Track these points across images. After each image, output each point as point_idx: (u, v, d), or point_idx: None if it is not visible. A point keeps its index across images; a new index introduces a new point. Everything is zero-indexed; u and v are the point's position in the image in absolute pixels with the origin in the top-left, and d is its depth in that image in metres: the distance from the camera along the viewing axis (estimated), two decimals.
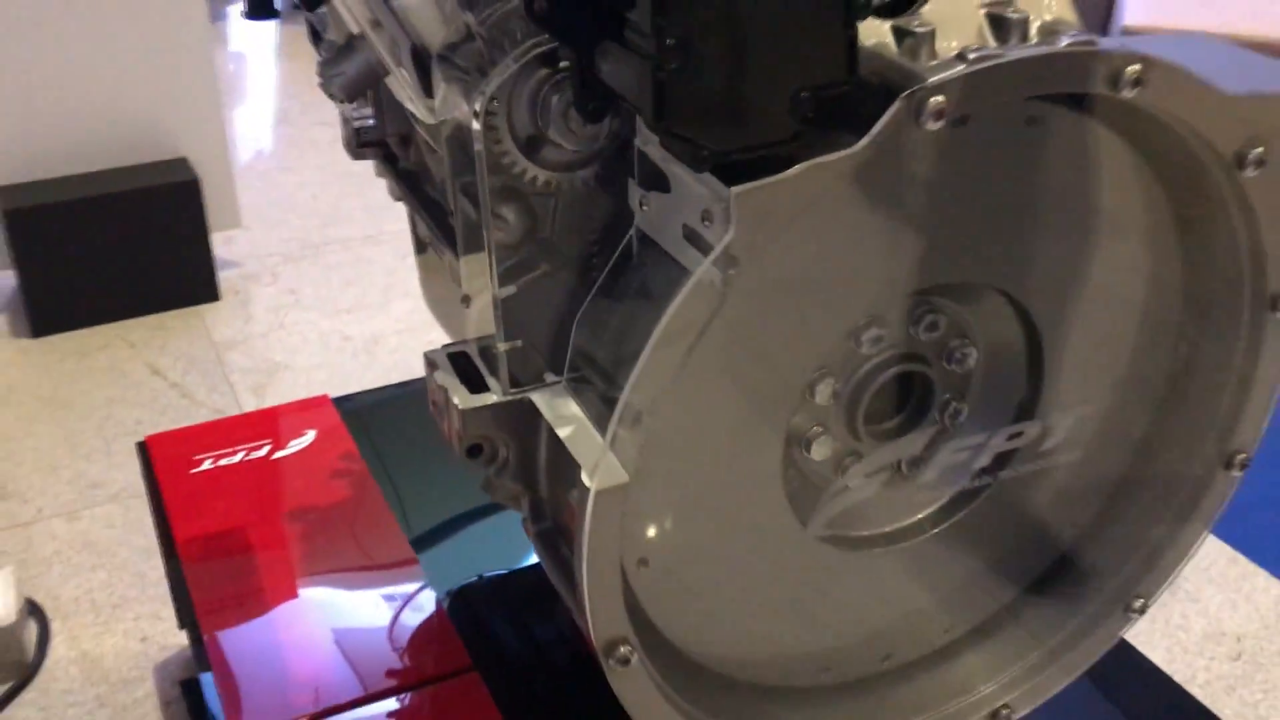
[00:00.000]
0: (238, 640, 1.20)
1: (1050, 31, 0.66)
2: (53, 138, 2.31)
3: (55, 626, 1.61)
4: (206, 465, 1.30)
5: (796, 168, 0.56)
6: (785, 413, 0.71)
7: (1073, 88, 0.62)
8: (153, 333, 2.35)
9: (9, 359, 2.27)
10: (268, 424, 1.38)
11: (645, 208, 0.67)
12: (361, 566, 1.17)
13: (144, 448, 1.33)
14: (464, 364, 0.70)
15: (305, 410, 1.40)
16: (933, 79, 0.58)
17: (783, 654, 0.80)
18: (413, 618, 1.09)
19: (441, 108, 0.69)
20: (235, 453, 1.31)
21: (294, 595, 1.16)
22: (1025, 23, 0.65)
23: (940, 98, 0.58)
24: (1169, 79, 0.63)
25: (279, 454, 1.32)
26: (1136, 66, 0.62)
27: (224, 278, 2.50)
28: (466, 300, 0.70)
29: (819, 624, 0.80)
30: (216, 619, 1.26)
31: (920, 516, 0.81)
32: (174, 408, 2.11)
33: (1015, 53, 0.60)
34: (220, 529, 1.22)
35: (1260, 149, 0.68)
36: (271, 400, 2.10)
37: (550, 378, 0.71)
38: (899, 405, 0.77)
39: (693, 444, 0.69)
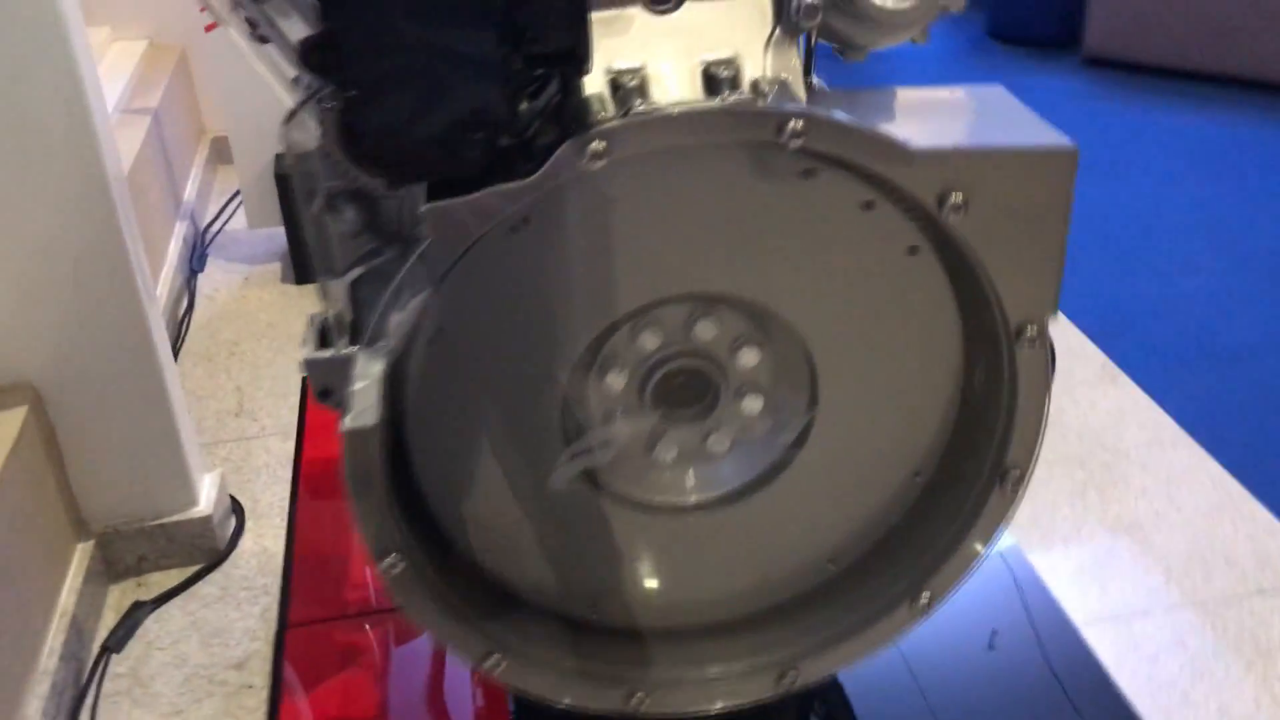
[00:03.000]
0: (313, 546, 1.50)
1: (758, 89, 0.78)
2: None
3: (249, 525, 1.99)
4: None
5: (480, 192, 0.73)
6: (556, 383, 0.86)
7: (737, 138, 0.74)
8: None
9: (272, 299, 2.74)
10: None
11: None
12: None
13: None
14: (323, 328, 0.91)
15: None
16: (596, 129, 0.72)
17: (560, 583, 0.94)
18: None
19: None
20: None
21: None
22: (736, 79, 0.77)
23: (599, 143, 0.72)
24: (832, 133, 0.73)
25: None
26: (798, 123, 0.73)
27: None
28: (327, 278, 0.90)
29: (588, 565, 0.94)
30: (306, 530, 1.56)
31: (717, 492, 0.94)
32: None
33: (680, 108, 0.73)
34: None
35: (957, 195, 0.76)
36: None
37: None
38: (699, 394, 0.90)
39: (475, 391, 0.85)
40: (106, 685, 1.71)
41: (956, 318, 0.86)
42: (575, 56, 0.70)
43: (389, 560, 0.83)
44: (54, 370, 1.68)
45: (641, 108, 0.72)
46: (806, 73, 0.86)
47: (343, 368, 0.82)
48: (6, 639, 1.52)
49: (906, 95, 0.82)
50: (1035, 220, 0.77)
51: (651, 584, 0.95)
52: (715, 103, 0.73)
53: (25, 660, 1.60)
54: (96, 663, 1.73)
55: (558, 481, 0.88)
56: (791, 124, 0.72)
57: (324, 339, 0.89)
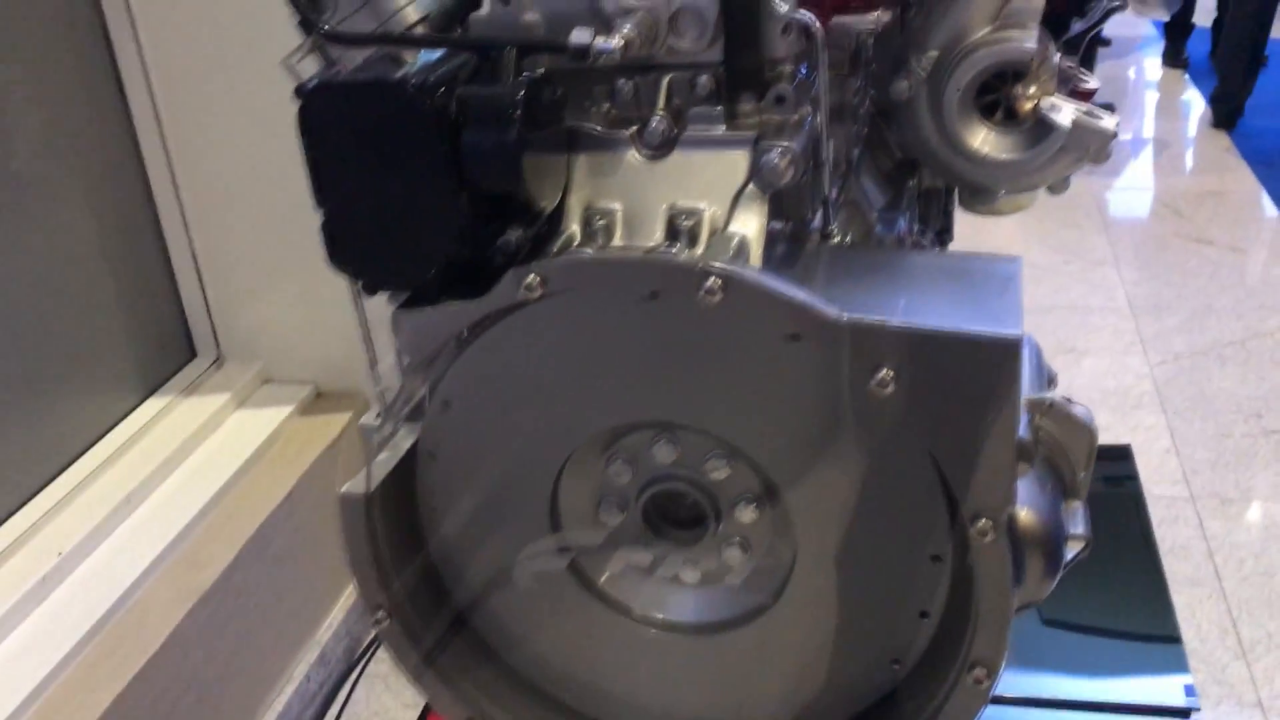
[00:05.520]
0: None
1: (717, 242, 0.79)
2: None
3: None
4: None
5: (436, 306, 0.81)
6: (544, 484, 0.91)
7: (658, 288, 0.76)
8: None
9: None
10: None
11: None
12: None
13: None
14: None
15: None
16: (535, 264, 0.78)
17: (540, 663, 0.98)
18: None
19: None
20: None
21: None
22: (695, 229, 0.79)
23: (534, 277, 0.78)
24: (751, 295, 0.73)
25: None
26: (716, 281, 0.74)
27: None
28: None
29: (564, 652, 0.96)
30: None
31: (685, 619, 0.94)
32: None
33: (607, 255, 0.77)
34: None
35: (886, 372, 0.72)
36: None
37: None
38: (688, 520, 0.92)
39: (474, 464, 0.92)
40: (371, 667, 1.96)
41: (940, 495, 0.81)
42: (517, 199, 0.77)
43: (377, 615, 0.93)
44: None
45: (585, 250, 0.77)
46: (827, 222, 0.86)
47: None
48: (294, 603, 1.79)
49: (897, 260, 0.79)
50: (978, 410, 0.71)
51: (622, 687, 0.97)
52: (638, 255, 0.76)
53: (304, 627, 1.88)
54: (369, 646, 1.99)
55: (532, 568, 0.93)
56: (710, 281, 0.73)
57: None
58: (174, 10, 1.87)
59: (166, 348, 2.15)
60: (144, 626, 1.63)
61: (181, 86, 1.94)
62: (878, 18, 0.90)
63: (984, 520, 0.75)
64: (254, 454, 2.03)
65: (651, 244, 0.80)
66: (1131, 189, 4.03)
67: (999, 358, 0.69)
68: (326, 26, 0.85)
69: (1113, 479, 2.12)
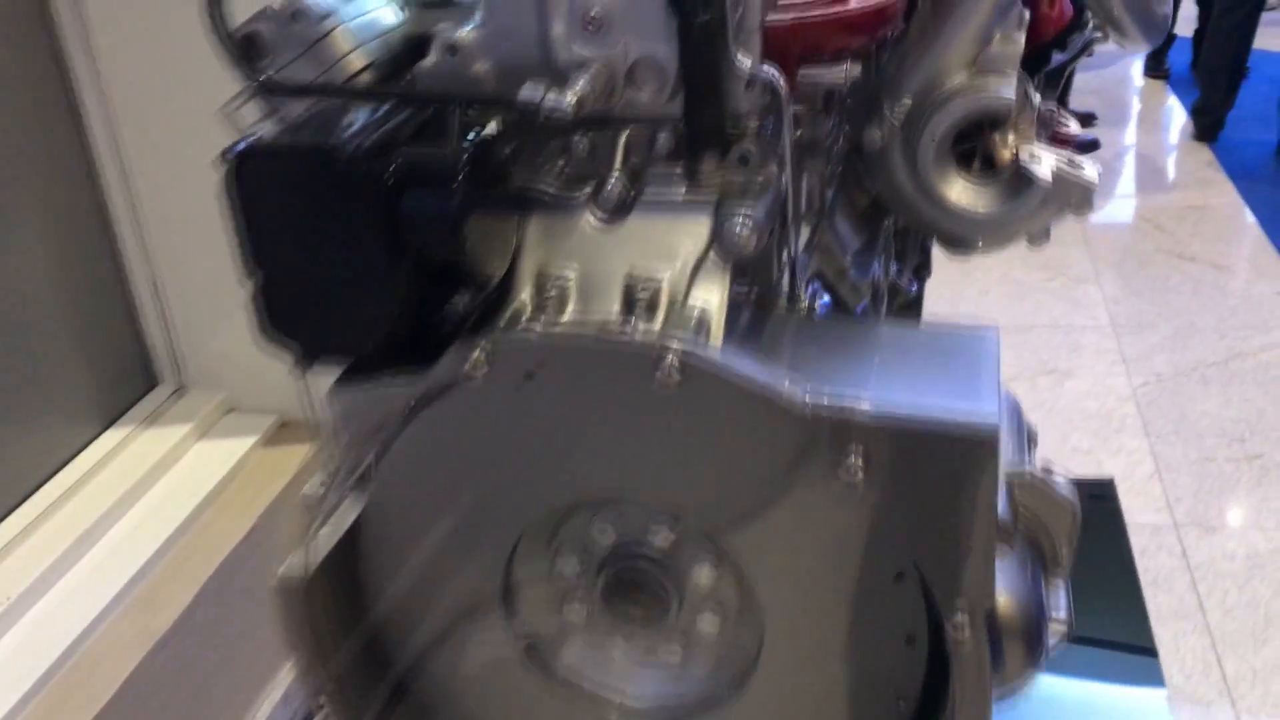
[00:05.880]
0: None
1: (676, 315, 0.74)
2: None
3: None
4: None
5: (372, 382, 0.76)
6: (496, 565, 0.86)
7: (613, 368, 0.71)
8: None
9: None
10: None
11: None
12: None
13: None
14: None
15: None
16: (480, 341, 0.73)
17: None
18: None
19: None
20: None
21: None
22: (654, 300, 0.74)
23: (480, 354, 0.72)
24: (710, 379, 0.68)
25: None
26: (673, 361, 0.69)
27: None
28: None
29: None
30: None
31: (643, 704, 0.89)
32: None
33: (554, 332, 0.72)
34: None
35: (852, 459, 0.68)
36: None
37: None
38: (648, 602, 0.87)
39: (421, 544, 0.87)
40: None
41: (914, 577, 0.76)
42: (460, 266, 0.72)
43: (318, 700, 0.88)
44: None
45: (534, 326, 0.72)
46: (794, 285, 0.81)
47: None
48: (257, 642, 1.74)
49: (867, 334, 0.74)
50: (953, 501, 0.66)
51: None
52: (590, 333, 0.71)
53: (266, 669, 1.83)
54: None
55: (484, 655, 0.88)
56: (668, 362, 0.68)
57: None
58: (132, 34, 1.81)
59: (126, 376, 2.09)
60: (96, 674, 1.57)
61: (142, 112, 1.89)
62: (848, 70, 0.85)
63: (960, 615, 0.70)
64: (216, 486, 1.97)
65: (609, 314, 0.75)
66: (1113, 203, 4.00)
67: (975, 449, 0.64)
68: (263, 76, 0.80)
69: (1095, 517, 2.08)
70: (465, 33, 0.78)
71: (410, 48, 0.86)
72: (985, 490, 0.65)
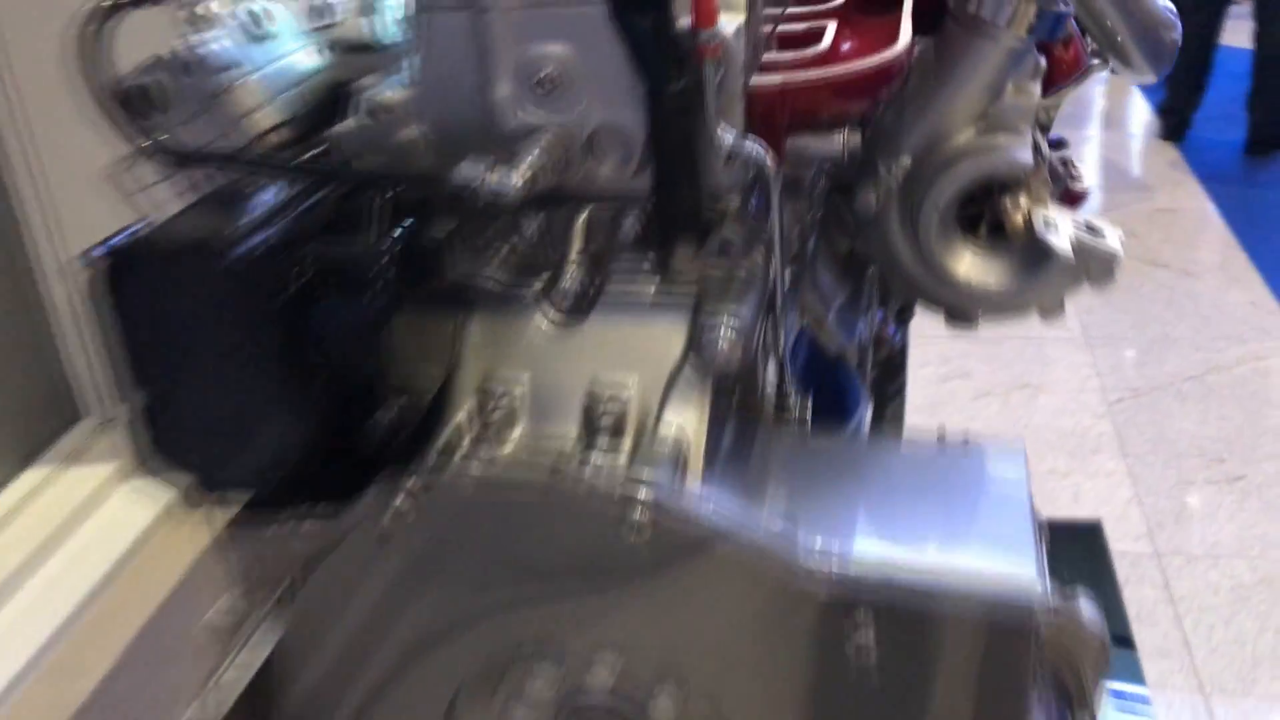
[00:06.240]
0: None
1: (645, 444, 0.62)
2: None
3: None
4: None
5: (277, 528, 0.63)
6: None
7: (574, 514, 0.58)
8: None
9: None
10: None
11: None
12: None
13: None
14: None
15: None
16: (404, 484, 0.60)
17: None
18: None
19: None
20: None
21: None
22: (619, 423, 0.62)
23: (404, 502, 0.60)
24: (688, 534, 0.56)
25: None
26: (643, 512, 0.56)
27: None
28: None
29: None
30: None
31: None
32: None
33: (502, 475, 0.59)
34: None
35: (862, 633, 0.56)
36: None
37: None
38: None
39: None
40: None
41: None
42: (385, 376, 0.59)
43: None
44: None
45: (471, 464, 0.59)
46: (783, 383, 0.69)
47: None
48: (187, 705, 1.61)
49: (872, 458, 0.62)
50: (984, 689, 0.55)
51: None
52: (541, 473, 0.58)
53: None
54: None
55: None
56: (637, 514, 0.56)
57: None
58: (44, 39, 1.66)
59: (45, 409, 1.94)
60: None
61: (59, 124, 1.74)
62: (844, 139, 0.73)
63: None
64: (146, 530, 1.83)
65: (565, 438, 0.63)
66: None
67: (1010, 629, 0.53)
68: (153, 138, 0.67)
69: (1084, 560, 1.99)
70: (392, 93, 0.65)
71: (332, 98, 0.73)
72: (1023, 681, 0.53)
